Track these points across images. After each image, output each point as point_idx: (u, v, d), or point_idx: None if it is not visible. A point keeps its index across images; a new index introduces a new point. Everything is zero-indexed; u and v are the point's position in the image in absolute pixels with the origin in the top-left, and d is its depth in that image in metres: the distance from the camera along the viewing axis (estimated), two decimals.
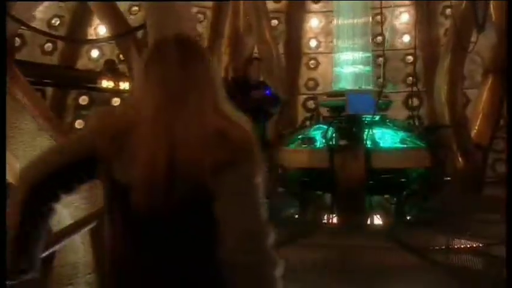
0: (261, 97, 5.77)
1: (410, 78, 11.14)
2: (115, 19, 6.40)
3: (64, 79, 9.26)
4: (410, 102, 10.94)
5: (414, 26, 10.85)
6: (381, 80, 11.06)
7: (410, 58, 11.10)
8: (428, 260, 4.62)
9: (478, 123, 8.56)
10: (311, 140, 6.02)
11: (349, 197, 5.61)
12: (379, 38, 10.97)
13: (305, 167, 5.89)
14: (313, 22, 10.83)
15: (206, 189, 1.35)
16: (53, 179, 1.47)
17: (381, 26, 7.19)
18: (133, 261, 1.42)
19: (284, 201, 6.56)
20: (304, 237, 5.44)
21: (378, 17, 10.76)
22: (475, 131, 8.74)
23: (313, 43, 10.96)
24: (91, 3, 7.48)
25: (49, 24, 9.14)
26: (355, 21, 6.50)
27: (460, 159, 8.57)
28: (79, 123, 9.77)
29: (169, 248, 1.41)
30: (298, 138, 6.27)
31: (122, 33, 6.07)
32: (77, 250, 3.84)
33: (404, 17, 10.99)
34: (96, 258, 3.89)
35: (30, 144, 3.48)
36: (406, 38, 11.10)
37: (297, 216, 6.35)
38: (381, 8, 7.12)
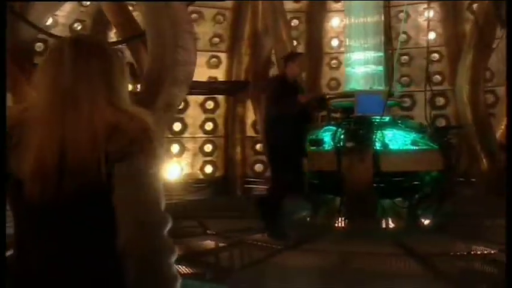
0: (310, 99, 5.72)
1: (436, 76, 10.91)
2: (126, 21, 6.48)
3: None
4: (434, 101, 10.73)
5: (439, 22, 10.57)
6: (406, 78, 10.89)
7: (435, 56, 10.83)
8: (432, 268, 4.46)
9: (504, 122, 8.26)
10: (320, 142, 5.93)
11: (357, 200, 5.50)
12: (403, 36, 10.77)
13: (313, 169, 5.80)
14: (335, 21, 10.68)
15: (101, 182, 1.38)
16: None
17: (388, 26, 6.94)
18: (33, 253, 1.45)
19: (297, 203, 6.49)
20: (311, 241, 5.37)
21: (401, 15, 10.58)
22: (501, 130, 8.43)
23: (334, 42, 10.81)
24: (103, 6, 7.61)
25: (71, 29, 9.35)
26: (366, 20, 6.36)
27: (483, 160, 8.29)
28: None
29: (66, 240, 1.43)
30: (308, 140, 6.18)
31: (131, 36, 6.15)
32: None
33: (428, 14, 10.68)
34: None
35: None
36: (431, 35, 10.79)
37: (308, 219, 6.27)
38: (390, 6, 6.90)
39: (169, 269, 1.38)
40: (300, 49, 10.89)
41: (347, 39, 6.80)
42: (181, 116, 11.03)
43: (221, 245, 5.54)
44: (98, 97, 1.47)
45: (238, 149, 11.00)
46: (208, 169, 11.35)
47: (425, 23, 10.67)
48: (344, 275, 4.28)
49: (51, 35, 7.13)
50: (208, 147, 11.33)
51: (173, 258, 1.40)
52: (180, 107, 10.95)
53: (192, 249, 5.52)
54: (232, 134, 11.04)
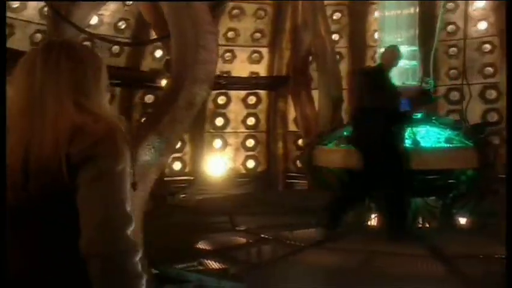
0: (414, 92, 5.60)
1: (488, 68, 10.41)
2: (160, 20, 6.61)
3: (130, 79, 9.74)
4: (485, 94, 10.24)
5: (491, 11, 10.06)
6: (455, 71, 10.44)
7: (487, 47, 10.33)
8: (457, 270, 4.29)
9: None
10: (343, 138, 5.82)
11: (384, 198, 5.36)
12: (451, 27, 10.34)
13: (340, 167, 5.71)
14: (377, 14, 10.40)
15: (63, 182, 1.42)
16: None
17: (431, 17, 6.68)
18: (12, 253, 1.50)
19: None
20: (337, 239, 5.31)
21: (450, 4, 10.16)
22: None
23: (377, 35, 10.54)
24: (140, 6, 7.80)
25: (116, 28, 9.67)
26: (400, 12, 6.16)
27: None
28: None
29: (36, 239, 1.49)
30: (337, 137, 6.09)
31: (160, 36, 6.29)
32: None
33: (479, 3, 10.20)
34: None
35: None
36: (482, 25, 10.31)
37: None
38: None
39: (133, 268, 1.40)
40: (342, 43, 10.74)
41: (380, 33, 6.63)
42: (223, 111, 11.18)
43: (248, 241, 5.58)
44: (64, 99, 1.51)
45: (280, 144, 11.00)
46: (251, 164, 11.43)
47: (475, 13, 10.22)
48: (362, 276, 4.21)
49: (91, 35, 7.43)
50: (250, 142, 11.40)
51: (137, 257, 1.42)
52: (222, 102, 11.13)
53: (221, 244, 5.61)
54: (274, 128, 11.05)
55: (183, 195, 10.46)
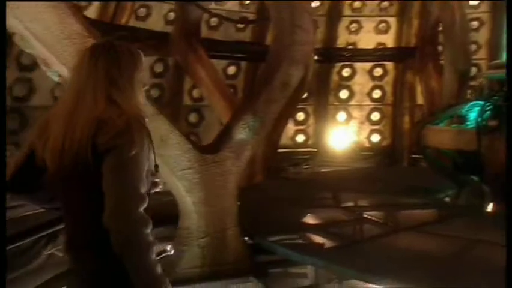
0: None
1: None
2: None
3: (255, 54, 10.08)
4: None
5: None
6: None
7: None
8: None
9: None
10: (462, 119, 5.43)
11: (498, 183, 4.96)
12: None
13: (451, 148, 5.38)
14: None
15: (91, 168, 1.72)
16: None
17: None
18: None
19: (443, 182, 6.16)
20: (436, 223, 5.08)
21: None
22: None
23: None
24: None
25: (241, 3, 10.03)
26: None
27: None
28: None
29: (71, 211, 1.85)
30: (449, 116, 5.71)
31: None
32: (190, 216, 4.47)
33: None
34: (209, 219, 4.47)
35: (150, 126, 4.16)
36: None
37: (448, 199, 5.89)
38: None
39: (144, 239, 1.67)
40: (484, 8, 9.82)
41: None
42: (348, 83, 11.03)
43: (349, 219, 5.61)
44: (98, 95, 1.80)
45: (407, 118, 10.57)
46: (375, 138, 11.19)
47: None
48: (449, 265, 4.01)
49: (213, 14, 7.85)
50: (375, 116, 11.14)
51: (148, 229, 1.68)
52: (346, 74, 10.98)
53: (322, 220, 5.72)
54: (401, 102, 10.64)
55: (306, 167, 10.69)
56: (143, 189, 1.74)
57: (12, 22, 3.70)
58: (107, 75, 1.83)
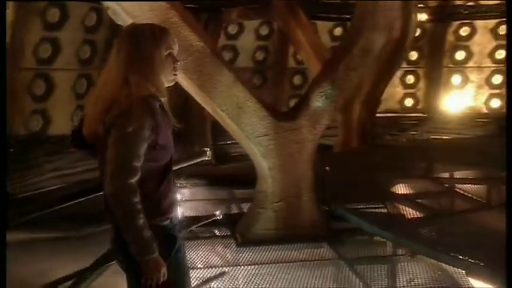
0: None
1: None
2: None
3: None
4: None
5: None
6: None
7: None
8: None
9: None
10: None
11: None
12: None
13: None
14: None
15: (104, 140, 1.98)
16: None
17: None
18: None
19: None
20: None
21: None
22: None
23: None
24: None
25: None
26: None
27: None
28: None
29: (101, 174, 2.09)
30: None
31: None
32: (266, 180, 4.64)
33: None
34: (284, 185, 4.61)
35: (227, 93, 4.37)
36: None
37: None
38: None
39: (131, 205, 1.88)
40: None
41: None
42: (466, 43, 10.20)
43: (437, 191, 5.39)
44: (117, 76, 2.01)
45: None
46: (495, 103, 10.31)
47: None
48: None
49: None
50: (496, 79, 10.21)
51: (136, 198, 1.89)
52: (464, 33, 10.14)
53: (409, 190, 5.59)
54: None
55: (413, 133, 10.26)
56: (137, 163, 1.92)
57: (112, 14, 4.12)
58: (127, 58, 2.02)
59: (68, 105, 7.89)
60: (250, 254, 4.51)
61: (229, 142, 9.56)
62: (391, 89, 10.65)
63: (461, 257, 3.52)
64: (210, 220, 4.74)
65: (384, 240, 4.46)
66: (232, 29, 10.43)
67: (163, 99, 2.10)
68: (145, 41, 2.04)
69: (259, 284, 3.96)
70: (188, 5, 9.39)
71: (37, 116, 7.88)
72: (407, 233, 4.08)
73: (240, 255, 4.49)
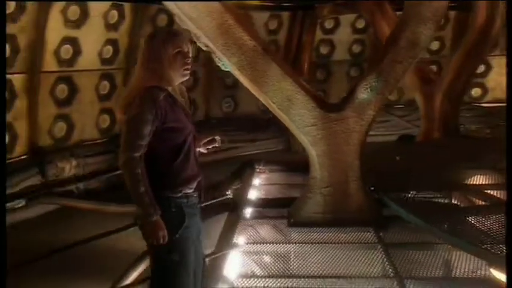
0: None
1: None
2: None
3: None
4: None
5: None
6: None
7: None
8: None
9: None
10: None
11: None
12: None
13: None
14: None
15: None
16: None
17: None
18: None
19: None
20: None
21: None
22: None
23: None
24: None
25: None
26: None
27: None
28: None
29: None
30: None
31: None
32: (315, 167, 4.99)
33: None
34: (332, 172, 4.92)
35: (277, 87, 4.80)
36: None
37: None
38: None
39: (134, 174, 2.43)
40: None
41: None
42: None
43: (498, 182, 5.27)
44: (136, 73, 2.64)
45: None
46: None
47: None
48: None
49: None
50: None
51: (138, 169, 2.43)
52: None
53: (473, 181, 5.54)
54: None
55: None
56: (140, 141, 2.48)
57: (169, 5, 4.78)
58: (143, 57, 2.64)
59: None
60: (298, 234, 4.92)
61: None
62: (498, 77, 10.12)
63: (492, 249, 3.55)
64: (222, 198, 5.17)
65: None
66: (328, 23, 10.77)
67: (178, 89, 2.68)
68: (156, 43, 2.61)
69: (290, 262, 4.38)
70: (285, 4, 10.01)
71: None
72: (451, 223, 4.15)
73: (290, 234, 4.93)
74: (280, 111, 4.90)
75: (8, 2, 6.82)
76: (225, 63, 4.85)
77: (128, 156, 2.46)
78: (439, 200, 5.07)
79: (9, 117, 7.29)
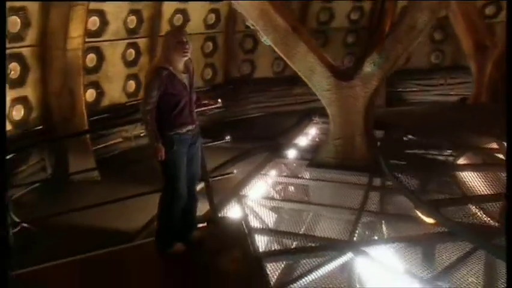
0: None
1: None
2: None
3: None
4: None
5: None
6: None
7: None
8: None
9: None
10: None
11: None
12: None
13: None
14: None
15: None
16: None
17: None
18: None
19: None
20: None
21: None
22: None
23: None
24: None
25: None
26: None
27: None
28: None
29: None
30: None
31: None
32: (330, 123, 6.37)
33: None
34: (342, 127, 6.25)
35: (303, 60, 6.19)
36: None
37: None
38: None
39: (147, 120, 3.86)
40: None
41: None
42: None
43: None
44: (158, 54, 4.36)
45: None
46: None
47: None
48: None
49: None
50: None
51: (148, 116, 3.92)
52: None
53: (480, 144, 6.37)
54: None
55: None
56: (150, 100, 3.98)
57: (234, 5, 6.38)
58: (161, 45, 4.30)
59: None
60: (313, 172, 6.47)
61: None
62: None
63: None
64: (228, 175, 6.28)
65: None
66: None
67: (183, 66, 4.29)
68: (165, 35, 4.24)
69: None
70: None
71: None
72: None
73: (306, 172, 6.51)
74: (304, 78, 6.33)
75: None
76: (266, 40, 6.38)
77: (143, 109, 4.16)
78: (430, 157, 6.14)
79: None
